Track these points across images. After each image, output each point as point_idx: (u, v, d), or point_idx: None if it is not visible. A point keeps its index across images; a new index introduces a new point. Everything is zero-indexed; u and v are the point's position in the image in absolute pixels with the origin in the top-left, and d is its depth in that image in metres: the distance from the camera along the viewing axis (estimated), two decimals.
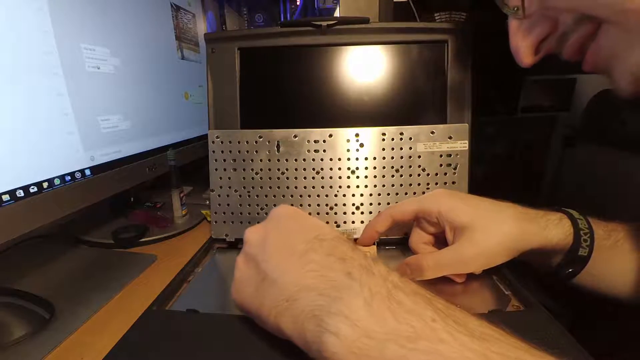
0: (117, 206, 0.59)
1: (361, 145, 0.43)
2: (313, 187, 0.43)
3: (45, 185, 0.36)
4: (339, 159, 0.43)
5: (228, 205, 0.44)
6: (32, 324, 0.33)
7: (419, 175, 0.43)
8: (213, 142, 0.44)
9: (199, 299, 0.34)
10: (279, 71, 0.47)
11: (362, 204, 0.43)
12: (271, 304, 0.23)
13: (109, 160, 0.46)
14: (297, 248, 0.24)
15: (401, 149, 0.42)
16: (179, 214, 0.56)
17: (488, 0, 0.29)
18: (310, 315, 0.20)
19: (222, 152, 0.44)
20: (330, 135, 0.43)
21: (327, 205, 0.43)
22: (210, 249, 0.44)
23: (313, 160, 0.43)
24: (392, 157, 0.42)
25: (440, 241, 0.36)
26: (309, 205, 0.43)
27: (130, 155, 0.50)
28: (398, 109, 0.46)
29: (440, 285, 0.34)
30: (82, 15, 0.42)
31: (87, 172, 0.42)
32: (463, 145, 0.42)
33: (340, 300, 0.20)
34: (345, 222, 0.43)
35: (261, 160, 0.43)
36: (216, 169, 0.44)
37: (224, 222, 0.44)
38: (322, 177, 0.43)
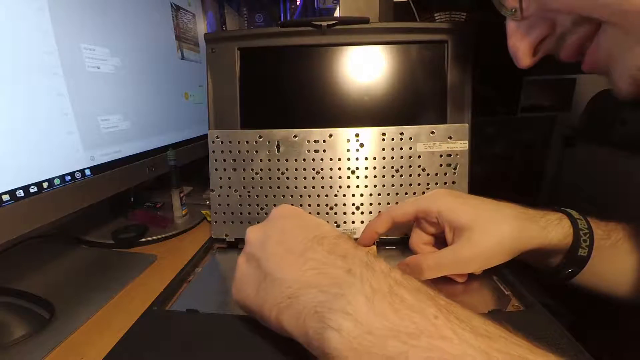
0: (117, 206, 0.59)
1: (361, 145, 0.43)
2: (313, 187, 0.43)
3: (45, 185, 0.36)
4: (339, 159, 0.43)
5: (228, 205, 0.44)
6: (32, 324, 0.33)
7: (419, 175, 0.43)
8: (213, 142, 0.44)
9: (199, 299, 0.34)
10: (279, 71, 0.47)
11: (362, 204, 0.43)
12: (272, 302, 0.23)
13: (109, 160, 0.46)
14: (298, 246, 0.24)
15: (401, 149, 0.42)
16: (179, 214, 0.56)
17: (488, 0, 0.29)
18: (312, 312, 0.20)
19: (222, 152, 0.44)
20: (330, 135, 0.43)
21: (327, 205, 0.43)
22: (210, 249, 0.44)
23: (313, 160, 0.43)
24: (392, 157, 0.42)
25: (440, 241, 0.36)
26: (309, 205, 0.43)
27: (130, 155, 0.50)
28: (398, 109, 0.46)
29: (440, 284, 0.34)
30: (82, 15, 0.42)
31: (87, 172, 0.42)
32: (463, 145, 0.42)
33: (342, 296, 0.20)
34: (345, 222, 0.43)
35: (261, 160, 0.43)
36: (216, 169, 0.44)
37: (224, 222, 0.44)
38: (322, 177, 0.43)
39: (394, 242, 0.43)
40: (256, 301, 0.24)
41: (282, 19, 0.91)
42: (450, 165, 0.42)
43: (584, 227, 0.33)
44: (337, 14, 0.81)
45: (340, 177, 0.43)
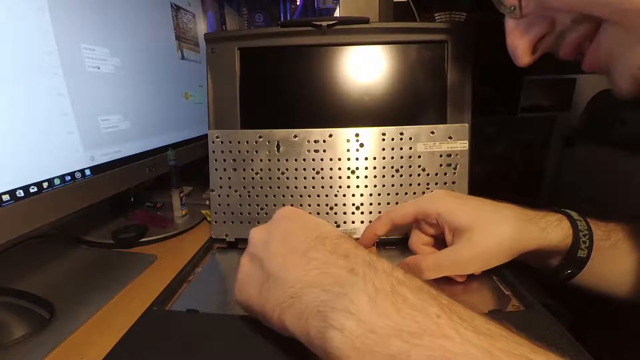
0: (117, 206, 0.59)
1: (361, 145, 0.43)
2: (313, 187, 0.43)
3: (45, 185, 0.36)
4: (339, 159, 0.43)
5: (228, 205, 0.44)
6: (32, 324, 0.33)
7: (419, 175, 0.43)
8: (213, 142, 0.44)
9: (199, 299, 0.34)
10: (279, 71, 0.47)
11: (362, 204, 0.43)
12: (275, 301, 0.23)
13: (109, 160, 0.46)
14: (300, 247, 0.24)
15: (401, 149, 0.42)
16: (179, 214, 0.56)
17: (488, 0, 0.29)
18: (315, 312, 0.20)
19: (222, 152, 0.44)
20: (330, 135, 0.43)
21: (327, 205, 0.43)
22: (210, 249, 0.44)
23: (313, 160, 0.43)
24: (392, 157, 0.42)
25: (440, 242, 0.36)
26: (309, 205, 0.43)
27: (130, 155, 0.50)
28: (398, 109, 0.46)
29: (440, 284, 0.34)
30: (82, 15, 0.42)
31: (87, 172, 0.42)
32: (463, 145, 0.42)
33: (344, 296, 0.20)
34: (345, 222, 0.43)
35: (261, 160, 0.43)
36: (216, 169, 0.44)
37: (224, 222, 0.44)
38: (322, 177, 0.43)
39: (394, 242, 0.43)
40: (259, 301, 0.24)
41: (282, 19, 0.91)
42: (450, 165, 0.42)
43: (584, 228, 0.33)
44: (337, 14, 0.81)
45: (340, 177, 0.43)
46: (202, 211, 0.58)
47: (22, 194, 0.33)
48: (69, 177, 0.39)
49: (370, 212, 0.43)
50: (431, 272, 0.33)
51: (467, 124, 0.43)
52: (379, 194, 0.43)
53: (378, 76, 0.46)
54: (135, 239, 0.49)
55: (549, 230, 0.33)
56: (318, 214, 0.43)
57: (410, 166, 0.42)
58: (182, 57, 0.65)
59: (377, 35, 0.45)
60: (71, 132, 0.40)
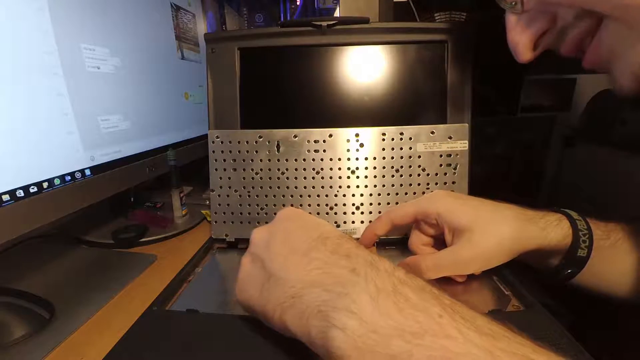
0: (117, 206, 0.59)
1: (361, 145, 0.43)
2: (313, 187, 0.43)
3: (45, 185, 0.36)
4: (339, 159, 0.43)
5: (228, 205, 0.44)
6: (32, 324, 0.33)
7: (419, 175, 0.43)
8: (213, 142, 0.44)
9: (199, 299, 0.34)
10: (279, 71, 0.47)
11: (362, 204, 0.43)
12: (276, 301, 0.23)
13: (109, 160, 0.46)
14: (301, 247, 0.24)
15: (401, 149, 0.42)
16: (179, 214, 0.56)
17: (488, 0, 0.29)
18: (316, 311, 0.20)
19: (222, 152, 0.44)
20: (330, 135, 0.43)
21: (327, 205, 0.43)
22: (210, 249, 0.44)
23: (313, 160, 0.43)
24: (392, 157, 0.42)
25: (440, 242, 0.36)
26: (309, 205, 0.43)
27: (130, 155, 0.50)
28: (398, 109, 0.46)
29: (440, 285, 0.33)
30: (82, 15, 0.42)
31: (87, 172, 0.42)
32: (463, 145, 0.42)
33: (346, 295, 0.20)
34: (345, 222, 0.43)
35: (261, 160, 0.43)
36: (216, 169, 0.44)
37: (224, 222, 0.44)
38: (322, 177, 0.43)
39: (394, 242, 0.43)
40: (259, 301, 0.24)
41: (282, 19, 0.91)
42: (450, 165, 0.42)
43: (583, 228, 0.33)
44: (337, 14, 0.81)
45: (340, 177, 0.43)
46: (202, 211, 0.58)
47: (22, 194, 0.33)
48: (69, 177, 0.39)
49: (370, 212, 0.43)
50: (431, 273, 0.33)
51: (467, 124, 0.43)
52: (379, 194, 0.43)
53: (378, 76, 0.46)
54: (135, 239, 0.49)
55: (548, 230, 0.33)
56: (318, 214, 0.43)
57: (410, 166, 0.42)
58: (182, 57, 0.65)
59: (377, 35, 0.45)
60: (71, 132, 0.40)
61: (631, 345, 0.43)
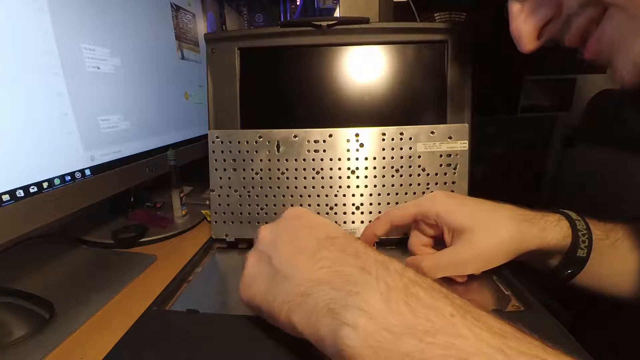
0: (117, 206, 0.59)
1: (361, 145, 0.43)
2: (313, 187, 0.43)
3: (45, 185, 0.36)
4: (339, 159, 0.43)
5: (228, 205, 0.44)
6: (32, 324, 0.33)
7: (419, 175, 0.43)
8: (213, 142, 0.44)
9: (199, 299, 0.34)
10: (279, 71, 0.47)
11: (362, 204, 0.43)
12: (283, 299, 0.23)
13: (109, 160, 0.46)
14: (310, 245, 0.24)
15: (401, 149, 0.42)
16: (179, 214, 0.56)
17: (488, 0, 0.28)
18: (326, 310, 0.20)
19: (222, 152, 0.44)
20: (330, 135, 0.43)
21: (327, 205, 0.43)
22: (210, 249, 0.44)
23: (313, 160, 0.43)
24: (392, 157, 0.42)
25: (439, 243, 0.36)
26: (309, 205, 0.43)
27: (130, 155, 0.50)
28: (398, 109, 0.46)
29: (440, 284, 0.34)
30: (82, 15, 0.42)
31: (87, 172, 0.42)
32: (463, 145, 0.42)
33: (357, 294, 0.20)
34: (345, 222, 0.43)
35: (261, 160, 0.43)
36: (216, 169, 0.44)
37: (224, 222, 0.44)
38: (322, 177, 0.43)
39: (394, 242, 0.43)
40: (266, 298, 0.24)
41: (282, 19, 0.91)
42: (450, 165, 0.42)
43: (583, 228, 0.33)
44: (337, 14, 0.80)
45: (340, 177, 0.43)
46: (202, 211, 0.58)
47: (22, 194, 0.33)
48: (69, 177, 0.39)
49: (370, 212, 0.43)
50: (431, 273, 0.33)
51: (467, 124, 0.43)
52: (379, 194, 0.43)
53: (378, 76, 0.46)
54: (135, 239, 0.49)
55: (548, 230, 0.33)
56: (318, 214, 0.43)
57: (410, 166, 0.42)
58: (182, 57, 0.65)
59: (377, 35, 0.45)
60: (71, 132, 0.40)
61: (632, 345, 0.43)
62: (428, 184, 0.43)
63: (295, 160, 0.43)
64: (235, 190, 0.44)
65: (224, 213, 0.44)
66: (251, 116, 0.47)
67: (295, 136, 0.43)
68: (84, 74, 0.42)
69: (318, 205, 0.43)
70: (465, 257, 0.32)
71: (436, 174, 0.43)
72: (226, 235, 0.44)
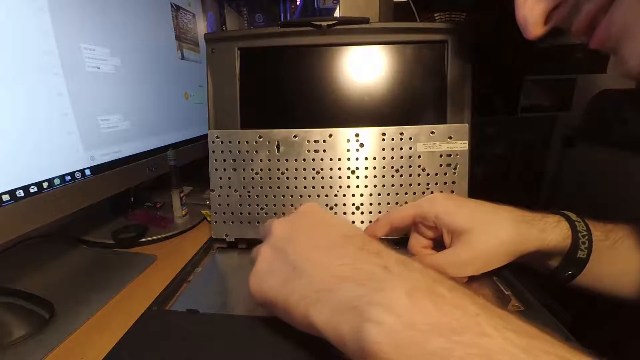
0: (117, 206, 0.59)
1: (361, 145, 0.43)
2: (313, 187, 0.43)
3: (45, 185, 0.36)
4: (339, 159, 0.43)
5: (228, 205, 0.44)
6: (32, 324, 0.33)
7: (419, 175, 0.43)
8: (213, 142, 0.44)
9: (199, 299, 0.34)
10: (279, 71, 0.47)
11: (362, 204, 0.43)
12: (301, 295, 0.22)
13: (109, 160, 0.46)
14: (327, 242, 0.24)
15: (401, 149, 0.42)
16: (179, 214, 0.56)
17: (488, 0, 0.28)
18: (349, 306, 0.20)
19: (222, 152, 0.44)
20: (330, 135, 0.43)
21: (327, 205, 0.43)
22: (210, 249, 0.44)
23: (313, 160, 0.43)
24: (392, 157, 0.42)
25: (439, 245, 0.36)
26: None
27: (130, 155, 0.50)
28: (398, 109, 0.46)
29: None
30: (82, 15, 0.42)
31: (87, 172, 0.42)
32: (463, 145, 0.42)
33: (382, 291, 0.20)
34: None
35: (261, 160, 0.43)
36: (216, 169, 0.44)
37: (224, 222, 0.44)
38: (322, 177, 0.43)
39: (394, 242, 0.43)
40: (281, 293, 0.24)
41: (282, 19, 0.91)
42: (450, 165, 0.42)
43: (583, 229, 0.33)
44: (337, 14, 0.80)
45: (340, 177, 0.43)
46: (202, 211, 0.58)
47: (22, 194, 0.33)
48: (69, 177, 0.39)
49: (370, 212, 0.43)
50: None
51: (467, 124, 0.43)
52: (379, 194, 0.43)
53: (378, 76, 0.46)
54: (135, 239, 0.49)
55: (547, 231, 0.33)
56: None
57: (410, 166, 0.42)
58: (182, 57, 0.65)
59: (377, 35, 0.45)
60: (71, 132, 0.40)
61: (632, 345, 0.43)
62: (428, 184, 0.43)
63: (295, 160, 0.43)
64: (235, 190, 0.44)
65: (224, 213, 0.44)
66: (251, 116, 0.47)
67: (295, 136, 0.43)
68: (84, 74, 0.42)
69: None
70: (464, 259, 0.32)
71: (436, 174, 0.43)
72: (226, 235, 0.44)
